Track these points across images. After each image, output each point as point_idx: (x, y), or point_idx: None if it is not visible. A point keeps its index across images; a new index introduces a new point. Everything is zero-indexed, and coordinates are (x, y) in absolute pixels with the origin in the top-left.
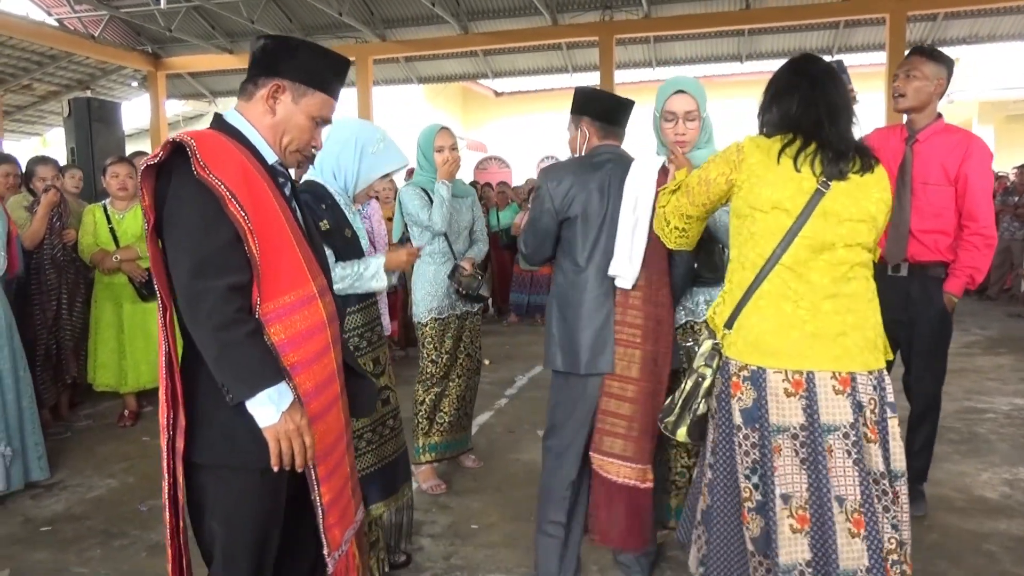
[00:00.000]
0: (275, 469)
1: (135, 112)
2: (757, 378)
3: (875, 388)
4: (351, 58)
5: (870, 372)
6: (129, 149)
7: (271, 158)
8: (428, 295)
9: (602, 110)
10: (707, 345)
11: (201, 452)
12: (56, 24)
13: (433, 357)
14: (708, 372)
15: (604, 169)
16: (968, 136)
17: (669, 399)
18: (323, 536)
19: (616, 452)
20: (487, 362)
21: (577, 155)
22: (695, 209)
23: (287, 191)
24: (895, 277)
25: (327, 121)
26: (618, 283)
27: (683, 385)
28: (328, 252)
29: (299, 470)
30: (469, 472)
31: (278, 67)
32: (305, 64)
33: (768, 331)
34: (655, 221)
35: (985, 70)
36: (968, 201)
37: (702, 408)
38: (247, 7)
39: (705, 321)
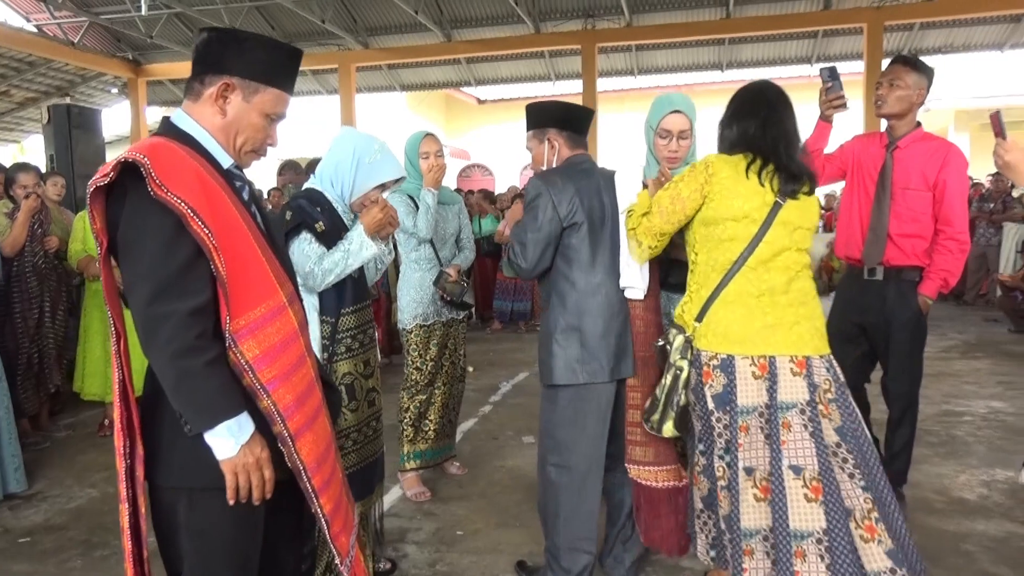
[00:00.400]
0: (231, 503)
1: (115, 119)
2: (727, 365)
3: (827, 370)
4: (334, 65)
5: (821, 356)
6: (109, 156)
7: (226, 162)
8: (413, 301)
9: (568, 120)
10: (679, 340)
11: (167, 474)
12: (35, 30)
13: (418, 364)
14: (684, 364)
15: (595, 176)
16: (946, 144)
17: (650, 399)
18: (332, 545)
19: (649, 460)
20: (471, 369)
21: (548, 168)
22: (669, 226)
23: (245, 195)
24: (871, 281)
25: (282, 117)
26: (630, 294)
27: (663, 381)
28: (320, 247)
29: (256, 503)
30: (454, 479)
31: (225, 63)
32: (254, 58)
33: (735, 323)
34: (628, 243)
35: (961, 79)
36: (945, 207)
37: (683, 399)
38: (229, 14)
39: (673, 320)
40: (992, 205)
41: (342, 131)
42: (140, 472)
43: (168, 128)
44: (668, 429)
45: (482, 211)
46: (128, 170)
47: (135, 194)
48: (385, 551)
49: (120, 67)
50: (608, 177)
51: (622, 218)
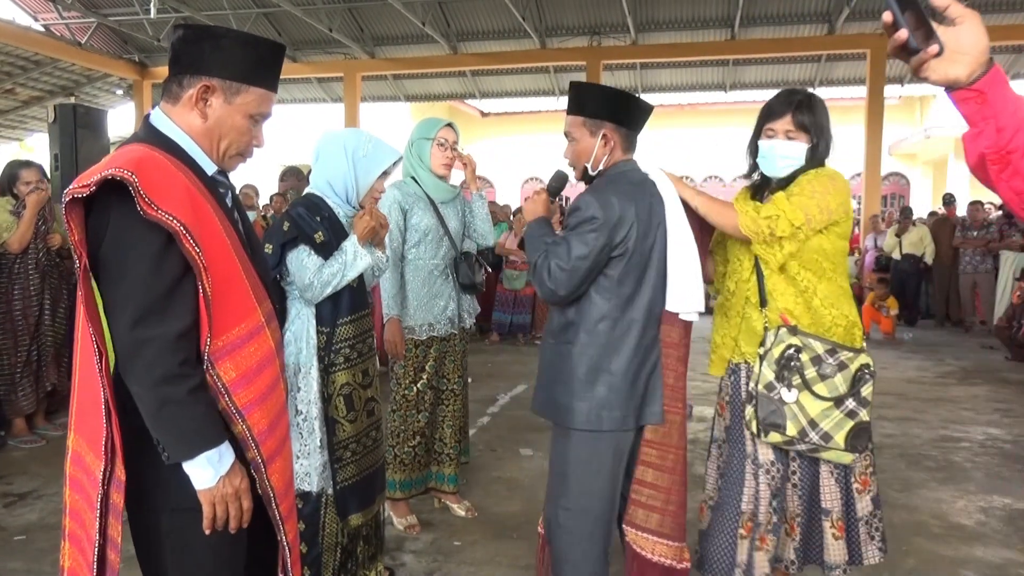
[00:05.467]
0: (207, 533)
1: (120, 120)
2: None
3: None
4: (339, 74)
5: None
6: None
7: (210, 168)
8: (411, 308)
9: (631, 115)
10: (781, 349)
11: (144, 494)
12: (42, 30)
13: (405, 385)
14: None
15: (647, 189)
16: None
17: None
18: (290, 573)
19: (652, 527)
20: (469, 380)
21: (591, 171)
22: (806, 237)
23: (228, 201)
24: None
25: (267, 117)
26: (686, 316)
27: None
28: (319, 259)
29: (232, 532)
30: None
31: (203, 63)
32: (234, 57)
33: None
34: (758, 252)
35: None
36: None
37: (865, 415)
38: (237, 20)
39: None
40: (976, 233)
41: (325, 135)
42: (117, 499)
43: (150, 133)
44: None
45: (493, 219)
46: (111, 184)
47: (120, 210)
48: (382, 559)
49: (126, 69)
50: (654, 185)
51: (678, 228)
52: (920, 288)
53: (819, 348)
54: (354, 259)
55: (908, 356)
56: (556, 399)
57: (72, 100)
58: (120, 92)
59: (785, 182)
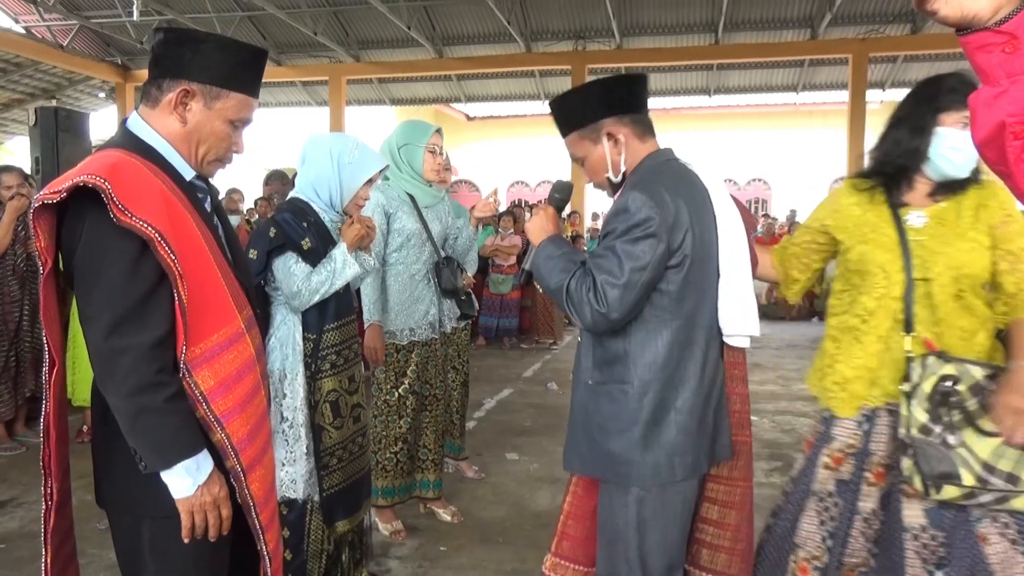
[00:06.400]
0: (186, 541)
1: (102, 123)
2: None
3: None
4: (324, 77)
5: None
6: None
7: (188, 173)
8: (392, 313)
9: (624, 98)
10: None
11: (125, 500)
12: (23, 32)
13: (386, 390)
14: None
15: (695, 180)
16: None
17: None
18: None
19: (719, 568)
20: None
21: (615, 178)
22: None
23: (208, 206)
24: None
25: (247, 122)
26: (736, 342)
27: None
28: (306, 266)
29: (211, 539)
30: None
31: (183, 67)
32: (214, 62)
33: None
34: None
35: None
36: None
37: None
38: (221, 23)
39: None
40: None
41: (311, 139)
42: (51, 522)
43: (126, 137)
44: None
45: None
46: (84, 191)
47: (94, 217)
48: (368, 565)
49: (109, 72)
50: (699, 178)
51: (731, 234)
52: None
53: (978, 374)
54: (343, 267)
55: None
56: (611, 453)
57: (54, 103)
58: (103, 95)
59: (955, 186)
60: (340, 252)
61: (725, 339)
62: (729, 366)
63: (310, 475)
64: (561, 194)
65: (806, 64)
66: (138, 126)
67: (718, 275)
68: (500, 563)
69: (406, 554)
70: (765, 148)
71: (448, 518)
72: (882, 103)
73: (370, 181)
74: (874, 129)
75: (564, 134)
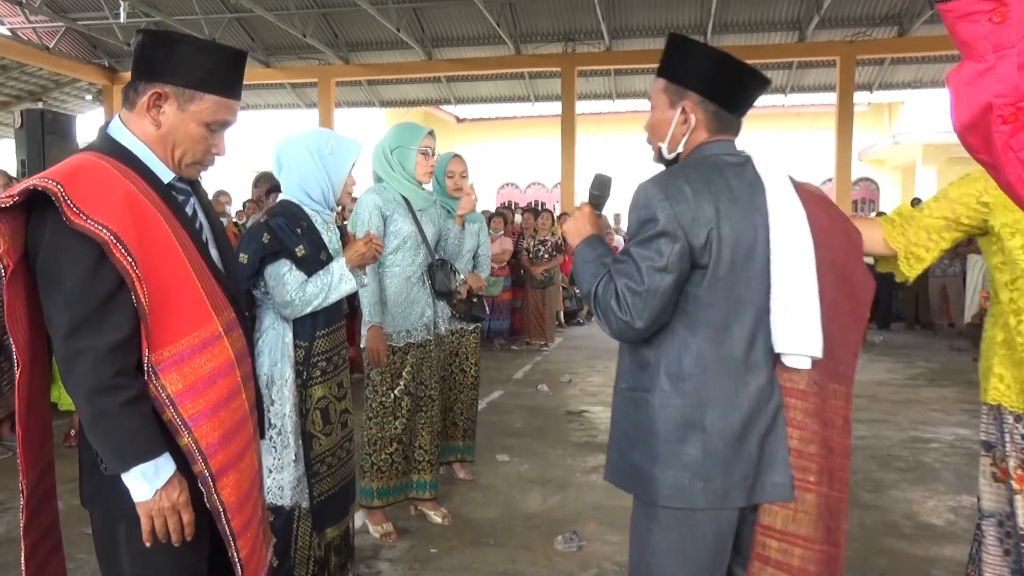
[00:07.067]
0: (147, 545)
1: (89, 126)
2: None
3: None
4: (313, 80)
5: None
6: None
7: (166, 176)
8: (388, 315)
9: (725, 87)
10: None
11: (105, 498)
12: (9, 34)
13: (382, 392)
14: None
15: (741, 175)
16: None
17: None
18: None
19: None
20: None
21: (667, 153)
22: None
23: (189, 209)
24: None
25: (226, 125)
26: (792, 362)
27: None
28: (300, 274)
29: (175, 545)
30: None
31: (157, 69)
32: (186, 64)
33: None
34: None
35: (929, 114)
36: None
37: None
38: (209, 25)
39: None
40: None
41: (283, 142)
42: (25, 517)
43: (103, 141)
44: None
45: None
46: (44, 194)
47: (55, 221)
48: (357, 568)
49: (96, 74)
50: (754, 174)
51: (786, 233)
52: (892, 292)
53: None
54: (339, 282)
55: (879, 359)
56: (634, 464)
57: (40, 105)
58: (89, 97)
59: None
60: (338, 266)
61: (786, 360)
62: (793, 395)
63: (298, 482)
64: (600, 191)
65: (794, 66)
66: (116, 130)
67: (766, 283)
68: (491, 565)
69: (397, 556)
70: (754, 149)
71: (439, 520)
72: (869, 105)
73: (352, 167)
74: (862, 130)
75: (658, 73)
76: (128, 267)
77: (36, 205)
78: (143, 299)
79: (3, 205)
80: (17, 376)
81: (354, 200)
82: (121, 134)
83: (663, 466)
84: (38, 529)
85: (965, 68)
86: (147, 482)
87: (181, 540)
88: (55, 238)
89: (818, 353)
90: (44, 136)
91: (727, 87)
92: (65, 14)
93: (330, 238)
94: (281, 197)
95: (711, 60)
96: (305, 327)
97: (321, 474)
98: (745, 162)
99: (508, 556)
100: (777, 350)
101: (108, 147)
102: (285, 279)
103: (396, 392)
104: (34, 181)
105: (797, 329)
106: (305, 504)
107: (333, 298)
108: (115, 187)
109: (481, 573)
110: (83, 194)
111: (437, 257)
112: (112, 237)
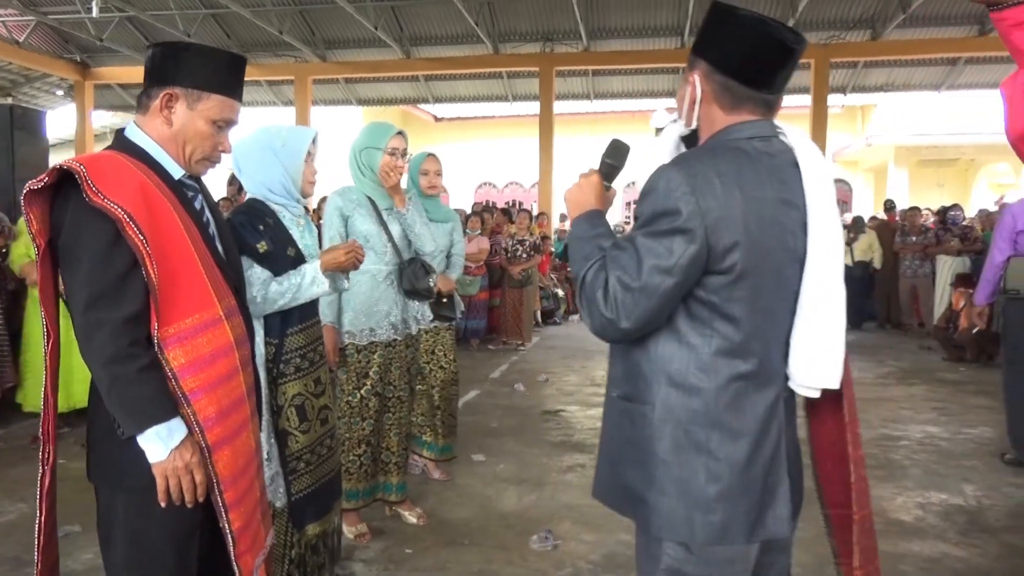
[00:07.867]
0: (162, 504)
1: (59, 121)
2: None
3: None
4: (290, 77)
5: None
6: (53, 160)
7: (177, 172)
8: (353, 312)
9: (742, 54)
10: None
11: (105, 472)
12: None
13: (349, 391)
14: None
15: (779, 167)
16: None
17: None
18: (235, 564)
19: None
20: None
21: (686, 125)
22: None
23: (198, 204)
24: None
25: (231, 123)
26: (803, 390)
27: None
28: (263, 271)
29: (188, 505)
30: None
31: (168, 74)
32: (195, 68)
33: None
34: None
35: (900, 117)
36: None
37: None
38: (184, 20)
39: None
40: (914, 238)
41: (237, 145)
42: (47, 481)
43: (120, 142)
44: None
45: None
46: (69, 177)
47: (77, 201)
48: (333, 569)
49: (67, 69)
50: (794, 167)
51: (823, 240)
52: (865, 292)
53: None
54: (310, 284)
55: (851, 358)
56: (628, 486)
57: (9, 100)
58: (60, 92)
59: None
60: (311, 268)
61: (796, 388)
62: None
63: (271, 481)
64: (614, 159)
65: None
66: (132, 132)
67: (792, 297)
68: (466, 565)
69: (371, 557)
70: (798, 136)
71: (414, 520)
72: (843, 107)
73: (310, 155)
74: (835, 132)
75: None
76: (140, 244)
77: (60, 192)
78: (153, 275)
79: (34, 188)
80: (48, 347)
81: (313, 184)
82: (136, 135)
83: (660, 491)
84: (52, 497)
85: (1020, 77)
86: (162, 442)
87: (187, 502)
88: (76, 216)
89: (835, 385)
90: (13, 132)
91: (738, 56)
92: (36, 8)
93: (302, 234)
94: (247, 197)
95: (724, 25)
96: (275, 324)
97: (300, 471)
98: (779, 150)
99: (483, 556)
100: (792, 383)
101: (125, 146)
102: (247, 276)
103: (363, 392)
104: (62, 163)
105: (821, 360)
106: (280, 503)
107: (303, 299)
108: (131, 177)
109: (456, 573)
110: (102, 177)
111: (407, 257)
112: (126, 216)
